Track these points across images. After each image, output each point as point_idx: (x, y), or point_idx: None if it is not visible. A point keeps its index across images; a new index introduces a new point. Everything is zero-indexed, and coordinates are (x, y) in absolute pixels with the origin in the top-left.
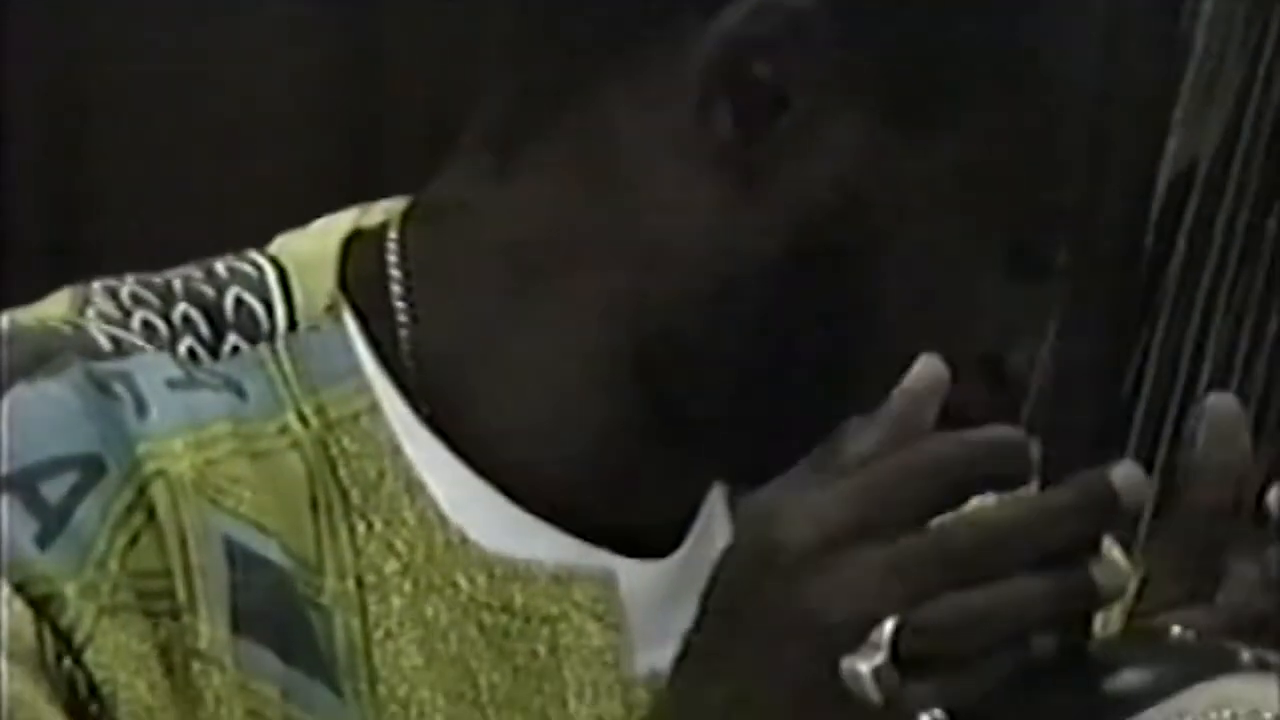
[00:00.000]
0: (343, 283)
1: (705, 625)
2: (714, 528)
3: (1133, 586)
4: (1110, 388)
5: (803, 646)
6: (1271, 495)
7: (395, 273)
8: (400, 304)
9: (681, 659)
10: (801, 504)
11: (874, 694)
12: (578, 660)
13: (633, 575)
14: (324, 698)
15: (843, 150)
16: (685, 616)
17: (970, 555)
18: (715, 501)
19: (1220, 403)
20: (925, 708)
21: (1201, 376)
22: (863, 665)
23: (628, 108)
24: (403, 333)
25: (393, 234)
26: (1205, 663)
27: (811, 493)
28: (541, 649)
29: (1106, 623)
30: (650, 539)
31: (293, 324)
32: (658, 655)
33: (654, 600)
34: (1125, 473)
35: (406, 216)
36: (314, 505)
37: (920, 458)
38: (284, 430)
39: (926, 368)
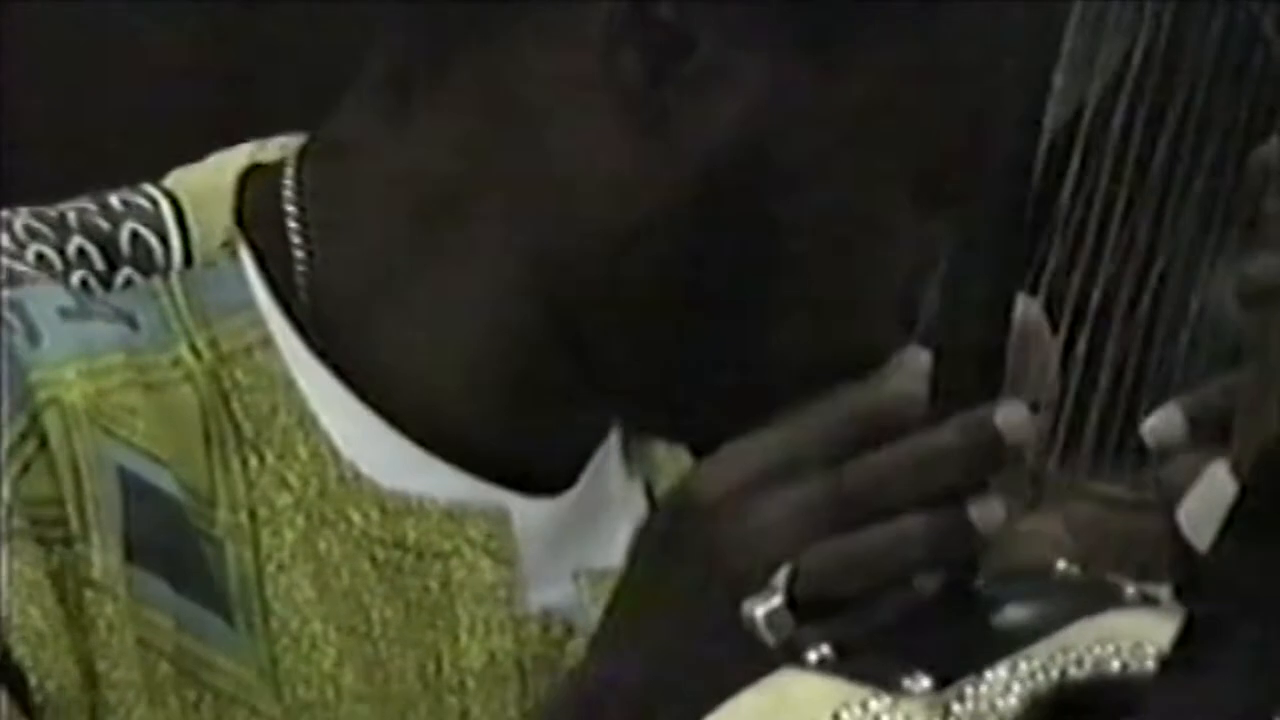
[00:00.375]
0: (239, 218)
1: (630, 573)
2: (609, 465)
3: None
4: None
5: (711, 592)
6: (1146, 424)
7: (291, 209)
8: (296, 240)
9: (609, 607)
10: (722, 453)
11: (768, 637)
12: (470, 596)
13: (526, 512)
14: (216, 627)
15: (750, 90)
16: (578, 553)
17: (858, 498)
18: (611, 439)
19: None
20: (812, 643)
21: (1088, 314)
22: (759, 610)
23: (534, 50)
24: (299, 268)
25: (290, 170)
26: (1089, 598)
27: (736, 443)
28: (434, 584)
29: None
30: (545, 476)
31: (188, 258)
32: (550, 592)
33: (547, 537)
34: (1009, 412)
35: (304, 153)
36: (207, 438)
37: (837, 406)
38: (177, 362)
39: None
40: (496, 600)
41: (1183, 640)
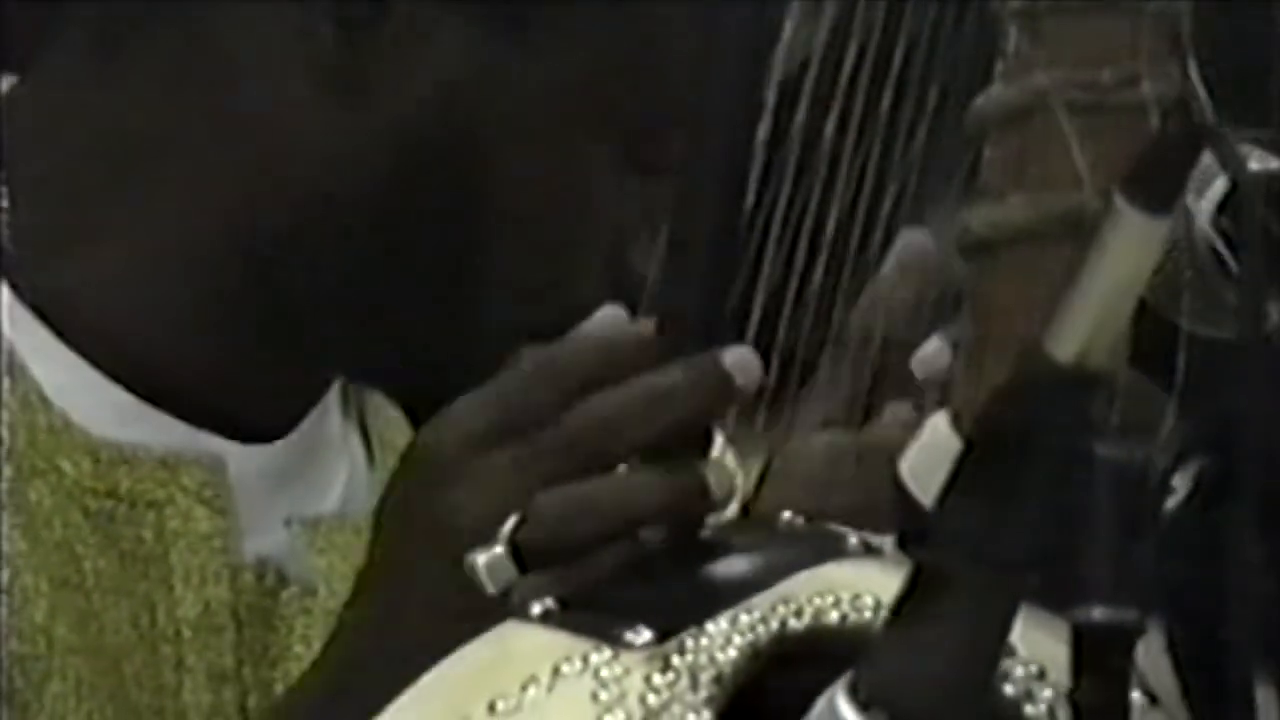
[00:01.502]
0: None
1: (371, 546)
2: (327, 409)
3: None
4: (725, 281)
5: (437, 551)
6: (918, 355)
7: None
8: None
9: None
10: (446, 413)
11: (488, 586)
12: (184, 545)
13: (242, 460)
14: None
15: (444, 56)
16: (293, 500)
17: (585, 442)
18: (332, 387)
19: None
20: (536, 597)
21: (817, 265)
22: (480, 558)
23: (229, 11)
24: (2, 215)
25: None
26: (812, 549)
27: (461, 400)
28: (148, 534)
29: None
30: (263, 424)
31: None
32: (265, 540)
33: (264, 485)
34: (737, 354)
35: (9, 95)
36: None
37: (551, 359)
38: None
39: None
40: (211, 549)
41: (907, 591)
